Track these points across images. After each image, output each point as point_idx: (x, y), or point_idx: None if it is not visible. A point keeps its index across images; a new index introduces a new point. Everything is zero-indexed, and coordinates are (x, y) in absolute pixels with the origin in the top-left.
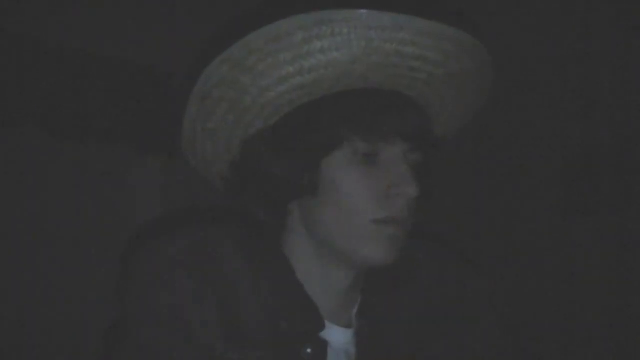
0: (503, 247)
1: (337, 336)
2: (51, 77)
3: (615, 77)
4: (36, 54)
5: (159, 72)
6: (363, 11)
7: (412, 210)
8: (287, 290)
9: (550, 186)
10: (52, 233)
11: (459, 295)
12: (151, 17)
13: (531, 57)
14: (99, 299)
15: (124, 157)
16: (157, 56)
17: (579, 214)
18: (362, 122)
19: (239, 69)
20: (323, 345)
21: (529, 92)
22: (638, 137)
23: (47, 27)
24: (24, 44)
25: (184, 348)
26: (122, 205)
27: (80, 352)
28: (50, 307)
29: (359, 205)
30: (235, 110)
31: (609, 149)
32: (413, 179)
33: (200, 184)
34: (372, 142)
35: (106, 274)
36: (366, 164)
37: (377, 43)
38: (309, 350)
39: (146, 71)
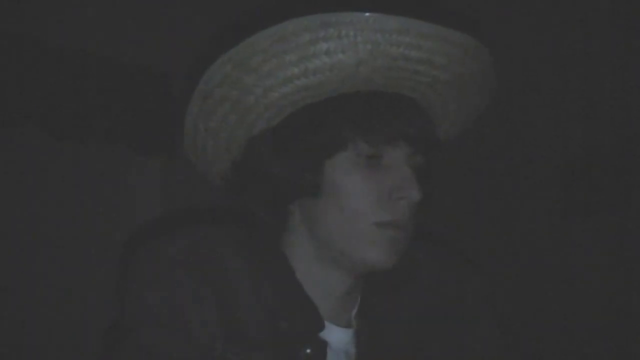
0: (503, 247)
1: (337, 336)
2: (51, 77)
3: (615, 77)
4: (36, 54)
5: (159, 72)
6: (369, 14)
7: (414, 213)
8: (286, 290)
9: (550, 186)
10: (52, 233)
11: (459, 295)
12: (151, 17)
13: (532, 57)
14: (99, 299)
15: (124, 157)
16: (157, 56)
17: (579, 215)
18: (366, 124)
19: (242, 69)
20: (323, 345)
21: (529, 92)
22: (638, 138)
23: (47, 27)
24: (24, 44)
25: (184, 348)
26: (122, 205)
27: (80, 352)
28: (50, 307)
29: (361, 207)
30: (238, 110)
31: (609, 150)
32: (416, 183)
33: (200, 184)
34: (375, 144)
35: (106, 274)
36: (369, 166)
37: (383, 46)
38: (308, 351)
39: (146, 71)
